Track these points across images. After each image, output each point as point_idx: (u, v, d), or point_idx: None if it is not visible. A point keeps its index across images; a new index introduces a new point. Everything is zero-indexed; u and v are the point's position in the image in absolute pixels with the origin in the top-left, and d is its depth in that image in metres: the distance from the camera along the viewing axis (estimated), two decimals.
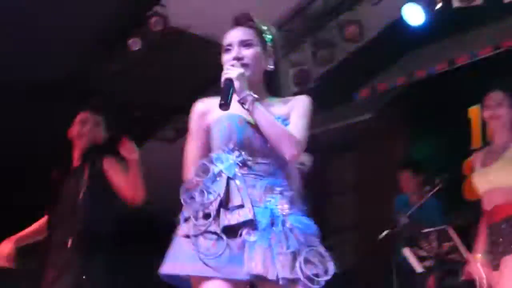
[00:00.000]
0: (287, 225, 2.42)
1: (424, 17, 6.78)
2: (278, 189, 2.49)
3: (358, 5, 7.10)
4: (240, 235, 2.41)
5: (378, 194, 8.18)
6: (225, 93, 2.46)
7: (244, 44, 2.58)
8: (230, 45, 2.61)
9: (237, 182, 2.46)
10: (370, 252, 8.06)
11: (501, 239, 4.09)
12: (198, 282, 2.39)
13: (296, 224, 2.43)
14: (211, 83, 8.39)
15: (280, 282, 2.33)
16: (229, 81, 2.46)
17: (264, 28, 2.68)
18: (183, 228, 2.47)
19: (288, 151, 2.45)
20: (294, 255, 2.36)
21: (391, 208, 6.37)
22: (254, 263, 2.34)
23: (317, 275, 2.34)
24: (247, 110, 2.47)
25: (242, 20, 2.65)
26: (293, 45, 7.61)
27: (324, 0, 7.18)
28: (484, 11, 6.14)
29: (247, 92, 2.46)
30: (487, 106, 4.33)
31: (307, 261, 2.35)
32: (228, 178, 2.46)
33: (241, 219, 2.41)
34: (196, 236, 2.40)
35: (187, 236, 2.43)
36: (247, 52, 2.58)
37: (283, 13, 7.19)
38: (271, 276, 2.32)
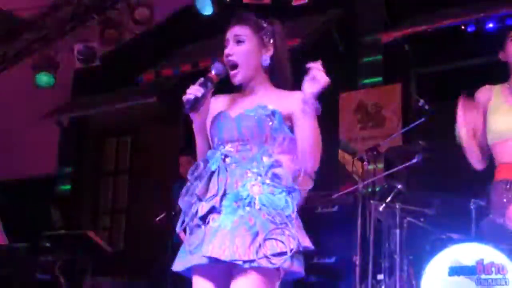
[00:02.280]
0: (256, 206, 2.43)
1: (214, 8, 6.94)
2: (255, 170, 2.50)
3: None
4: (208, 222, 2.46)
5: (153, 178, 8.26)
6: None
7: (238, 40, 2.63)
8: (227, 41, 2.66)
9: (221, 174, 2.51)
10: (140, 234, 8.12)
11: None
12: (194, 272, 2.52)
13: (265, 204, 2.43)
14: None
15: (237, 263, 2.35)
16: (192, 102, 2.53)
17: (263, 24, 2.69)
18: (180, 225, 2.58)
19: (312, 165, 2.58)
20: (256, 236, 2.37)
21: (167, 192, 6.44)
22: (212, 246, 2.38)
23: (279, 254, 2.35)
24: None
25: (238, 18, 2.69)
26: (81, 21, 7.38)
27: None
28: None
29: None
30: None
31: (268, 240, 2.36)
32: (212, 173, 2.51)
33: (208, 207, 2.46)
34: (190, 233, 2.50)
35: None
36: (239, 49, 2.62)
37: None
38: (225, 257, 2.35)
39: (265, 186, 2.47)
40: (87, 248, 6.62)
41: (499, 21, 6.31)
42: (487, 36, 6.37)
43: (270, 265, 2.34)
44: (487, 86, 3.85)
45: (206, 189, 2.50)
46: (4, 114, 8.71)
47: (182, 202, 2.56)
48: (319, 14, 7.49)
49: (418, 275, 4.46)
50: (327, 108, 5.09)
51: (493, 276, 4.05)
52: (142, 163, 8.77)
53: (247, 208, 2.43)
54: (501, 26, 6.27)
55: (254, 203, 2.43)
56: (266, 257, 2.33)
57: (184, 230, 2.57)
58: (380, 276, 4.93)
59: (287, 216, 2.43)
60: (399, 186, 4.93)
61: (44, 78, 7.92)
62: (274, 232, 2.38)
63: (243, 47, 2.62)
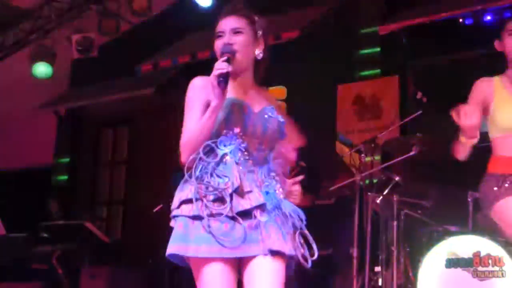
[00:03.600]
0: (283, 209, 2.58)
1: None
2: (273, 174, 2.62)
3: None
4: (254, 216, 2.51)
5: (150, 169, 8.26)
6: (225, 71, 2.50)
7: (235, 31, 2.64)
8: (222, 32, 2.65)
9: (241, 167, 2.54)
10: (138, 224, 8.13)
11: None
12: (204, 263, 2.48)
13: (291, 209, 2.61)
14: None
15: (299, 258, 2.54)
16: (224, 76, 2.49)
17: (256, 18, 2.71)
18: (189, 209, 2.51)
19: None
20: (294, 236, 2.56)
21: (165, 184, 6.45)
22: (272, 240, 2.49)
23: (305, 254, 2.56)
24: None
25: (235, 9, 2.70)
26: (79, 11, 7.37)
27: None
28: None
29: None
30: None
31: (299, 241, 2.56)
32: (235, 163, 2.53)
33: (254, 204, 2.50)
34: (209, 217, 2.45)
35: (196, 217, 2.48)
36: (237, 39, 2.63)
37: None
38: (288, 251, 2.51)
39: (281, 190, 2.63)
40: (84, 238, 6.64)
41: (497, 14, 6.31)
42: (485, 28, 6.37)
43: (303, 262, 2.55)
44: (486, 78, 3.76)
45: (236, 180, 2.50)
46: (1, 104, 8.70)
47: (197, 181, 2.48)
48: (317, 5, 7.49)
49: (415, 267, 4.49)
50: (325, 100, 5.17)
51: (490, 268, 4.08)
52: (140, 153, 8.77)
53: (279, 211, 2.57)
54: (499, 18, 6.27)
55: (281, 205, 2.58)
56: (303, 256, 2.55)
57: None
58: (377, 268, 4.96)
59: (303, 221, 2.63)
60: (397, 178, 4.94)
61: (41, 69, 7.91)
62: (301, 236, 2.58)
63: (241, 38, 2.63)
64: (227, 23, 2.65)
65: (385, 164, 5.16)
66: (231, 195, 2.47)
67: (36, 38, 7.96)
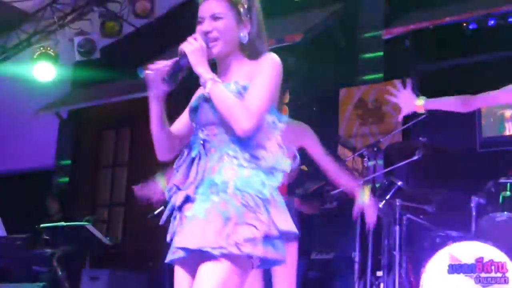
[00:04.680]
0: (230, 191, 2.31)
1: None
2: (231, 153, 2.39)
3: None
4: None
5: (152, 171, 8.24)
6: (171, 69, 2.43)
7: (215, 17, 2.51)
8: (202, 17, 2.54)
9: (201, 160, 2.42)
10: (139, 227, 8.11)
11: None
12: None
13: (239, 188, 2.31)
14: None
15: (206, 250, 2.25)
16: (183, 55, 2.42)
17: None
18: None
19: (237, 127, 2.34)
20: (227, 222, 2.26)
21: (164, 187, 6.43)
22: (182, 236, 2.33)
23: (251, 240, 2.23)
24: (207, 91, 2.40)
25: None
26: (81, 13, 7.36)
27: None
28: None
29: (203, 69, 2.41)
30: None
31: (240, 225, 2.25)
32: (192, 159, 2.44)
33: (182, 196, 2.39)
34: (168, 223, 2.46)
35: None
36: (217, 25, 2.50)
37: None
38: (192, 245, 2.27)
39: (241, 169, 2.36)
40: (85, 240, 6.62)
41: (501, 18, 6.30)
42: (489, 33, 6.36)
43: (240, 252, 2.22)
44: None
45: (186, 177, 2.42)
46: (3, 107, 8.69)
47: (166, 192, 2.47)
48: (320, 9, 7.48)
49: (417, 272, 4.47)
50: (327, 104, 5.15)
51: (493, 274, 4.06)
52: (141, 156, 8.75)
53: (221, 194, 2.31)
54: (503, 23, 6.26)
55: (228, 188, 2.32)
56: (237, 243, 2.22)
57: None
58: (379, 273, 4.93)
59: (262, 199, 2.31)
60: (399, 183, 4.92)
61: (44, 71, 7.90)
62: (246, 217, 2.26)
63: (220, 23, 2.50)
64: (207, 9, 2.54)
65: (388, 169, 5.14)
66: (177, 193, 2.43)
67: (38, 40, 7.95)
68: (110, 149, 9.55)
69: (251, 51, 2.54)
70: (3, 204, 6.95)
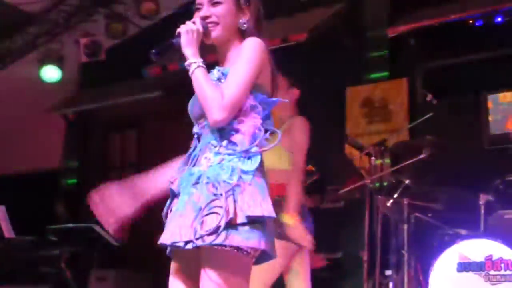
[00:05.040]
0: (203, 181, 2.27)
1: None
2: (214, 143, 2.35)
3: None
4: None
5: None
6: (163, 43, 2.43)
7: (213, 2, 2.48)
8: (200, 3, 2.51)
9: (197, 154, 2.40)
10: (146, 227, 8.11)
11: None
12: None
13: (210, 176, 2.26)
14: None
15: (179, 245, 2.22)
16: (177, 35, 2.42)
17: None
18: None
19: (209, 117, 2.31)
20: (199, 213, 2.20)
21: None
22: (167, 232, 2.28)
23: (216, 229, 2.14)
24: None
25: None
26: (86, 14, 7.37)
27: None
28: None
29: (190, 51, 2.39)
30: None
31: (208, 215, 2.18)
32: (189, 155, 2.44)
33: (171, 192, 2.41)
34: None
35: None
36: (215, 10, 2.47)
37: None
38: (166, 240, 2.26)
39: (216, 157, 2.30)
40: (92, 241, 6.62)
41: (508, 15, 6.27)
42: (495, 30, 6.34)
43: (204, 244, 2.14)
44: None
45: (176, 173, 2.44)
46: (11, 108, 8.71)
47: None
48: (324, 8, 7.46)
49: (426, 270, 4.46)
50: (334, 103, 5.14)
51: (502, 272, 4.04)
52: (148, 157, 8.76)
53: (198, 185, 2.27)
54: (510, 20, 6.24)
55: (202, 179, 2.27)
56: (201, 235, 2.15)
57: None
58: (388, 272, 4.92)
59: (230, 184, 2.22)
60: (407, 181, 4.91)
61: (50, 72, 7.92)
62: (213, 204, 2.19)
63: (219, 8, 2.47)
64: None
65: (395, 167, 5.13)
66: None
67: (44, 42, 7.96)
68: (117, 150, 9.56)
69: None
70: (11, 205, 6.95)
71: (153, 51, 2.43)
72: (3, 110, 8.76)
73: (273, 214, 2.24)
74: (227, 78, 2.38)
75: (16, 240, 6.51)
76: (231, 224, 2.16)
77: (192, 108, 2.49)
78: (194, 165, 2.37)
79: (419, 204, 4.90)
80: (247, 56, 2.36)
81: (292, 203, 3.71)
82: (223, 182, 2.22)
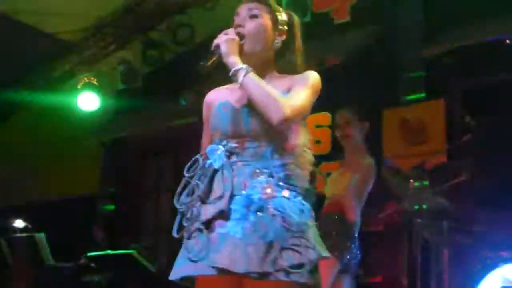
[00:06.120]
0: (269, 211, 2.21)
1: None
2: (266, 171, 2.29)
3: (191, 8, 7.11)
4: (214, 228, 2.27)
5: None
6: (208, 56, 2.39)
7: (251, 14, 2.46)
8: (238, 13, 2.50)
9: (225, 172, 2.30)
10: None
11: None
12: (197, 284, 2.32)
13: (279, 209, 2.22)
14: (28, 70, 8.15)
15: (253, 276, 2.15)
16: (216, 47, 2.39)
17: (279, 8, 2.53)
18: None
19: (274, 114, 2.22)
20: (270, 245, 2.16)
21: None
22: (220, 255, 2.18)
23: (298, 266, 2.15)
24: (236, 80, 2.32)
25: None
26: (122, 42, 7.48)
27: (156, 1, 7.15)
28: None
29: (234, 59, 2.34)
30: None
31: (285, 250, 2.16)
32: (215, 171, 2.33)
33: (214, 211, 2.26)
34: (188, 238, 2.32)
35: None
36: (252, 22, 2.45)
37: (115, 9, 7.06)
38: (238, 269, 2.15)
39: (278, 188, 2.26)
40: (131, 268, 6.65)
41: None
42: None
43: (288, 279, 2.14)
44: None
45: (210, 189, 2.32)
46: (48, 136, 8.85)
47: (177, 202, 2.38)
48: (359, 30, 7.45)
49: None
50: (371, 126, 5.12)
51: None
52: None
53: (259, 214, 2.21)
54: None
55: (267, 208, 2.22)
56: (284, 270, 2.14)
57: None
58: None
59: (304, 223, 2.24)
60: (446, 204, 4.84)
61: (87, 100, 8.03)
62: (291, 241, 2.18)
63: (255, 21, 2.45)
64: (244, 7, 2.49)
65: (434, 190, 5.06)
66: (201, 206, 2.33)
67: (82, 70, 8.09)
68: (153, 175, 9.61)
69: (284, 65, 2.50)
70: (48, 232, 7.03)
71: (201, 63, 2.39)
72: (42, 137, 8.91)
73: (330, 255, 2.30)
74: (291, 92, 2.33)
75: (57, 267, 6.57)
76: (311, 263, 2.19)
77: (226, 124, 2.39)
78: (232, 187, 2.27)
79: (460, 227, 4.83)
80: (310, 84, 2.36)
81: None
82: (295, 218, 2.22)
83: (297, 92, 2.33)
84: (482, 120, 5.79)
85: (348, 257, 4.35)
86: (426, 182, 5.49)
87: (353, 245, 4.36)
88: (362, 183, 4.59)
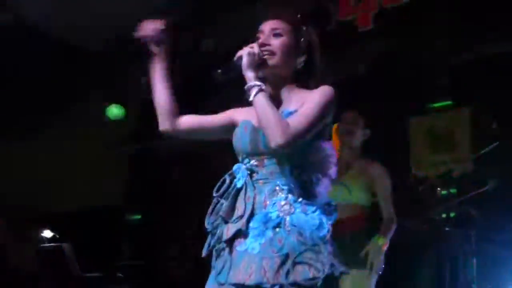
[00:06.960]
0: (286, 227, 2.25)
1: None
2: (285, 187, 2.33)
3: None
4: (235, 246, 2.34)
5: None
6: (228, 64, 2.44)
7: (275, 33, 2.49)
8: (262, 31, 2.52)
9: (248, 191, 2.38)
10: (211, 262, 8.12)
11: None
12: None
13: (295, 224, 2.26)
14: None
15: (265, 287, 2.18)
16: (239, 57, 2.43)
17: (302, 26, 2.56)
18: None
19: (272, 139, 2.27)
20: (285, 258, 2.20)
21: None
22: (237, 271, 2.24)
23: (311, 279, 2.17)
24: (248, 96, 2.37)
25: (279, 13, 2.56)
26: (148, 54, 7.52)
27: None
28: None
29: (252, 73, 2.38)
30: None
31: (299, 264, 2.19)
32: (238, 189, 2.40)
33: (234, 230, 2.33)
34: (215, 258, 2.43)
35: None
36: (276, 40, 2.48)
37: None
38: (250, 281, 2.19)
39: (297, 204, 2.29)
40: (158, 277, 6.68)
41: None
42: None
43: None
44: None
45: (232, 208, 2.38)
46: (76, 145, 8.93)
47: (207, 222, 2.45)
48: (384, 38, 7.43)
49: None
50: (398, 134, 5.12)
51: None
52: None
53: (277, 229, 2.25)
54: None
55: (284, 224, 2.26)
56: (296, 283, 2.16)
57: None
58: None
59: (320, 238, 2.25)
60: (474, 212, 4.81)
61: (114, 110, 8.11)
62: (306, 255, 2.20)
63: (280, 40, 2.47)
64: (269, 23, 2.51)
65: (462, 198, 5.03)
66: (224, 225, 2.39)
67: (108, 81, 8.16)
68: (180, 184, 9.64)
69: (303, 82, 2.52)
70: (77, 242, 7.08)
71: (219, 71, 2.44)
72: (68, 149, 9.00)
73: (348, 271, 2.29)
74: (297, 113, 2.35)
75: (84, 278, 6.62)
76: (326, 278, 2.19)
77: (246, 143, 2.46)
78: (253, 206, 2.33)
79: (488, 235, 4.79)
80: (319, 100, 2.36)
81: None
82: (312, 233, 2.24)
83: (303, 111, 2.34)
84: (509, 127, 5.74)
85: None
86: (454, 190, 5.47)
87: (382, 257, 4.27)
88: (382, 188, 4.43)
